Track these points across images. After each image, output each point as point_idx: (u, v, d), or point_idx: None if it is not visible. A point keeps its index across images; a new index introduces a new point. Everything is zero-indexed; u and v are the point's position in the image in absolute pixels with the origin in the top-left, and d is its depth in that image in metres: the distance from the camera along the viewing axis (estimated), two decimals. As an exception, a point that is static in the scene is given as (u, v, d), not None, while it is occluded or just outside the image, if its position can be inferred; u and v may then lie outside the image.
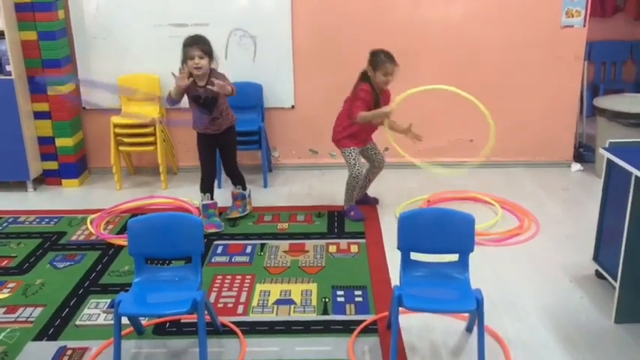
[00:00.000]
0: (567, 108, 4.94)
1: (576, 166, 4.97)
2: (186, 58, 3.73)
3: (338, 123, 4.04)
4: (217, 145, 3.99)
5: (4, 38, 4.35)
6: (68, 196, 4.66)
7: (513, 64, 4.83)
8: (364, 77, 3.86)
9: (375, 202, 4.31)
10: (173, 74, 3.74)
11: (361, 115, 3.78)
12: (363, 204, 4.22)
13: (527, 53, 4.80)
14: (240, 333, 2.84)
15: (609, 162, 3.05)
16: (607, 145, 3.09)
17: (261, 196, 4.49)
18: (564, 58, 4.81)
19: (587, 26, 4.74)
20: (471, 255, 2.70)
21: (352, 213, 4.06)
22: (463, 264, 2.69)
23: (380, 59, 3.77)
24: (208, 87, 3.70)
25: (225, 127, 3.92)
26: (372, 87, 3.82)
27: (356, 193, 4.10)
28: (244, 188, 4.13)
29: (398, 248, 2.71)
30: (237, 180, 4.12)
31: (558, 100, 4.91)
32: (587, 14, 4.70)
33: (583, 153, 5.10)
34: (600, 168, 3.16)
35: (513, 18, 4.72)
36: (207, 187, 3.96)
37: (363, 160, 4.06)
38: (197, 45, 3.68)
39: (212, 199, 3.98)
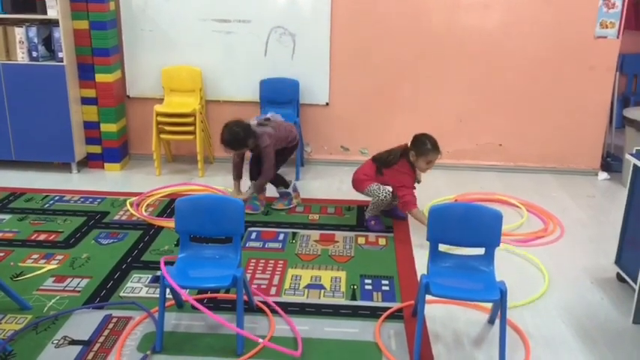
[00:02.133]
0: (597, 118, 5.02)
1: (603, 175, 5.04)
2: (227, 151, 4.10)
3: (361, 176, 4.03)
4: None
5: (58, 26, 4.59)
6: (110, 179, 4.89)
7: (546, 72, 4.93)
8: (403, 154, 3.87)
9: (404, 218, 4.17)
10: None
11: (414, 212, 3.83)
12: (393, 217, 4.17)
13: (560, 62, 4.89)
14: (269, 312, 3.00)
15: (635, 168, 3.15)
16: (634, 152, 3.19)
17: (293, 188, 4.67)
18: (596, 69, 4.89)
19: (620, 38, 4.82)
20: (496, 254, 2.83)
21: (373, 222, 4.00)
22: (489, 257, 2.82)
23: (426, 148, 3.77)
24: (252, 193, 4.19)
25: (277, 148, 4.20)
26: (410, 165, 3.87)
27: (380, 207, 4.01)
28: (286, 187, 4.38)
29: (427, 239, 2.85)
30: (276, 184, 4.38)
31: (588, 110, 4.99)
32: (621, 26, 4.78)
33: (611, 162, 5.17)
34: (627, 177, 3.26)
35: (548, 26, 4.82)
36: (253, 177, 4.26)
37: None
38: (229, 147, 4.01)
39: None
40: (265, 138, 4.07)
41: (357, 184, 4.07)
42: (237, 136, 3.96)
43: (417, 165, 3.87)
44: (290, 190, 4.38)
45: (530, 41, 4.87)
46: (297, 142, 4.37)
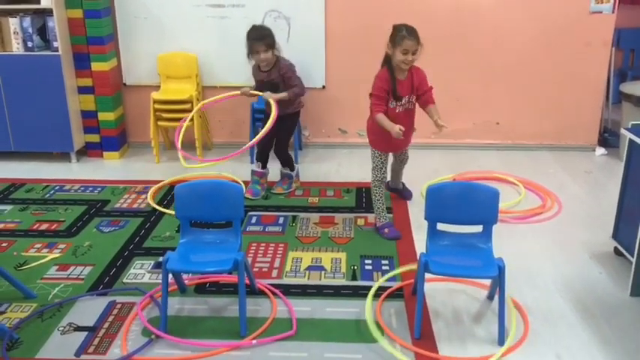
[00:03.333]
0: (594, 93, 5.02)
1: (600, 151, 5.06)
2: (251, 51, 3.96)
3: (368, 120, 3.74)
4: (280, 125, 4.01)
5: (52, 15, 4.57)
6: (109, 168, 4.91)
7: (541, 48, 4.93)
8: (385, 60, 3.52)
9: (409, 197, 4.15)
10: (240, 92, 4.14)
11: (378, 118, 3.45)
12: (398, 194, 4.16)
13: (556, 38, 4.89)
14: (271, 295, 3.04)
15: (631, 143, 3.17)
16: (630, 127, 3.21)
17: (292, 172, 4.69)
18: (592, 44, 4.88)
19: (616, 12, 4.80)
20: (494, 231, 2.86)
21: (386, 230, 3.65)
22: (487, 234, 2.85)
23: (400, 35, 3.36)
24: (263, 96, 3.99)
25: (286, 111, 4.07)
26: (389, 72, 3.47)
27: (384, 201, 3.74)
28: (292, 169, 4.35)
29: (425, 218, 2.88)
30: (285, 162, 4.33)
31: (585, 86, 4.99)
32: (616, 0, 4.76)
33: (608, 138, 5.19)
34: (624, 152, 3.27)
35: (543, 3, 4.80)
36: (259, 157, 4.27)
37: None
38: (262, 41, 3.90)
39: (263, 168, 4.28)
40: (285, 58, 4.01)
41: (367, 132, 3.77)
42: (270, 32, 3.92)
43: (395, 60, 3.40)
44: (294, 173, 4.37)
45: (526, 18, 4.86)
46: (301, 106, 4.28)
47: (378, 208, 3.73)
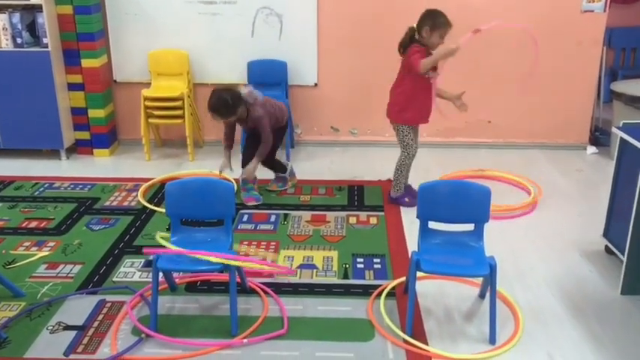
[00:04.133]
0: (585, 92, 5.04)
1: (592, 149, 5.08)
2: (214, 118, 3.89)
3: (390, 98, 3.91)
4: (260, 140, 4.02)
5: (41, 11, 4.53)
6: (99, 165, 4.87)
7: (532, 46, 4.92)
8: (412, 38, 3.70)
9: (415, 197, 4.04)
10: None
11: (424, 63, 3.57)
12: (405, 195, 4.10)
13: (547, 37, 4.89)
14: (262, 294, 3.03)
15: (622, 141, 3.18)
16: (621, 125, 3.22)
17: (283, 170, 4.67)
18: (583, 43, 4.90)
19: (607, 12, 4.82)
20: (486, 229, 2.86)
21: (407, 199, 3.97)
22: (478, 233, 2.85)
23: (441, 22, 3.63)
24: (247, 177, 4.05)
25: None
26: (420, 45, 3.68)
27: (406, 177, 4.00)
28: (284, 171, 4.33)
29: (417, 217, 2.87)
30: (276, 169, 4.32)
31: (576, 84, 5.01)
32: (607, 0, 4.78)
33: (599, 137, 5.21)
34: (615, 151, 3.28)
35: (534, 1, 4.82)
36: (247, 164, 4.10)
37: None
38: (216, 113, 3.80)
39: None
40: (258, 108, 3.89)
41: (391, 111, 3.92)
42: (225, 102, 3.75)
43: (431, 41, 3.65)
44: (287, 174, 4.35)
45: (517, 16, 4.86)
46: (287, 121, 4.27)
47: (399, 181, 3.98)
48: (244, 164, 4.09)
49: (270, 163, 4.25)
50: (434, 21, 3.63)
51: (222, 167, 4.05)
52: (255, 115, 3.89)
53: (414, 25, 3.71)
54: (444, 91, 3.88)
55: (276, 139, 4.15)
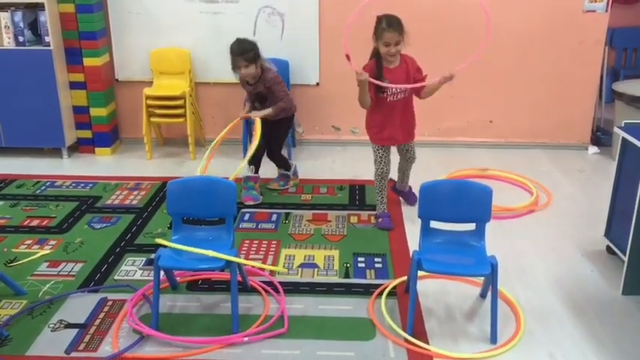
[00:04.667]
0: (586, 92, 5.03)
1: (593, 149, 5.07)
2: (234, 65, 3.93)
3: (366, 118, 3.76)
4: (267, 130, 3.99)
5: (44, 10, 4.53)
6: (101, 164, 4.87)
7: (535, 47, 4.93)
8: (374, 51, 3.53)
9: (413, 202, 3.93)
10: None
11: (359, 98, 3.48)
12: (403, 197, 4.08)
13: (549, 36, 4.89)
14: (264, 293, 3.03)
15: (624, 141, 3.18)
16: (622, 125, 3.21)
17: (285, 169, 4.68)
18: (585, 43, 4.89)
19: (609, 12, 4.81)
20: (487, 229, 2.86)
21: (380, 220, 3.73)
22: (480, 232, 2.85)
23: (380, 27, 3.37)
24: (252, 116, 3.97)
25: (277, 117, 4.04)
26: (377, 61, 3.48)
27: (386, 194, 3.78)
28: (288, 169, 4.33)
29: (418, 216, 2.87)
30: (280, 164, 4.32)
31: (578, 84, 5.00)
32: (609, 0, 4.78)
33: (600, 137, 5.20)
34: (616, 151, 3.28)
35: (536, 1, 4.81)
36: (252, 161, 4.09)
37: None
38: (241, 56, 3.86)
39: (256, 172, 4.16)
40: (272, 71, 3.95)
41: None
42: (252, 45, 3.85)
43: (381, 52, 3.43)
44: (290, 173, 4.34)
45: (519, 16, 4.86)
46: (294, 111, 4.21)
47: (377, 200, 3.80)
48: (252, 160, 4.03)
49: (277, 157, 4.26)
50: (375, 29, 3.43)
51: (242, 115, 4.06)
52: (270, 75, 3.94)
53: None
54: (431, 84, 3.54)
55: (284, 131, 4.19)
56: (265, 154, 4.20)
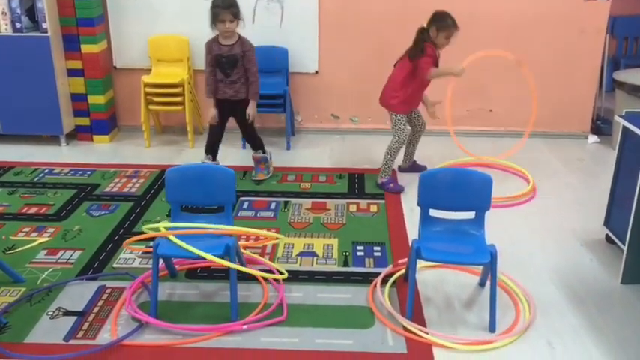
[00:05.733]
0: (587, 81, 5.01)
1: (593, 138, 5.07)
2: (215, 19, 3.86)
3: (390, 87, 4.04)
4: (234, 112, 4.08)
5: (41, -4, 4.50)
6: (99, 152, 4.86)
7: (536, 35, 4.90)
8: (423, 36, 3.89)
9: (424, 169, 4.31)
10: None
11: (432, 72, 3.85)
12: (413, 172, 4.24)
13: (550, 25, 4.86)
14: (262, 281, 3.02)
15: (624, 130, 3.16)
16: (623, 114, 3.20)
17: (283, 158, 4.66)
18: (586, 32, 4.87)
19: (610, 0, 4.78)
20: (486, 217, 2.85)
21: (392, 185, 4.09)
22: (479, 221, 2.84)
23: (447, 23, 3.84)
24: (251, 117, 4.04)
25: (243, 95, 4.01)
26: (432, 45, 3.89)
27: (393, 162, 4.14)
28: (264, 152, 4.26)
29: (418, 205, 2.86)
30: (257, 145, 4.24)
31: (578, 73, 4.98)
32: (611, -12, 4.75)
33: (600, 126, 5.19)
34: (616, 140, 3.27)
35: (538, -11, 4.78)
36: (209, 149, 4.11)
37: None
38: (228, 9, 3.80)
39: (214, 160, 4.11)
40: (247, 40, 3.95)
41: (386, 99, 4.07)
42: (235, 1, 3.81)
43: (437, 42, 3.87)
44: (267, 155, 4.27)
45: (521, 4, 4.83)
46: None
47: (388, 166, 4.09)
48: (210, 148, 4.10)
49: (253, 137, 4.21)
50: (440, 23, 3.84)
51: (214, 118, 4.04)
52: (248, 41, 3.93)
53: (424, 25, 3.89)
54: (424, 95, 4.11)
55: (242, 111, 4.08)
56: (243, 137, 4.19)
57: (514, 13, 4.85)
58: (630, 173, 3.07)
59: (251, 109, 4.03)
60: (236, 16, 3.84)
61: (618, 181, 3.29)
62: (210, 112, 4.06)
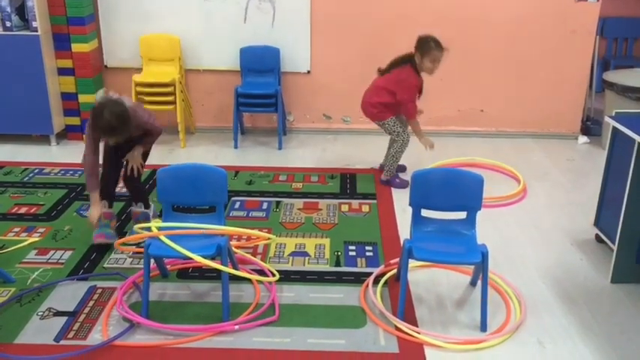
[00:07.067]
0: (577, 82, 5.04)
1: (583, 139, 5.10)
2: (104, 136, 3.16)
3: (370, 100, 4.08)
4: (124, 153, 3.39)
5: (31, -6, 4.47)
6: (90, 151, 4.82)
7: (526, 36, 4.93)
8: (407, 60, 3.93)
9: (404, 169, 4.41)
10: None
11: (413, 122, 4.03)
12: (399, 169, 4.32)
13: (541, 26, 4.89)
14: (254, 280, 3.01)
15: (614, 131, 3.19)
16: (613, 114, 3.22)
17: (275, 158, 4.66)
18: (577, 32, 4.90)
19: (600, 1, 4.81)
20: (477, 217, 2.86)
21: (398, 180, 4.17)
22: (471, 221, 2.85)
23: (429, 46, 3.84)
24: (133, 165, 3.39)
25: (136, 133, 3.28)
26: (415, 70, 3.93)
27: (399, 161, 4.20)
28: (148, 206, 3.54)
29: (409, 205, 2.87)
30: (140, 196, 3.53)
31: (569, 74, 5.01)
32: (601, -11, 4.78)
33: (590, 126, 5.22)
34: (606, 141, 3.30)
35: (528, -10, 4.81)
36: (105, 195, 3.34)
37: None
38: (113, 137, 3.09)
39: (110, 207, 3.41)
40: (140, 112, 3.25)
41: (369, 112, 4.13)
42: (122, 116, 2.99)
43: (423, 66, 3.90)
44: (150, 212, 3.53)
45: (511, 5, 4.85)
46: (160, 132, 3.44)
47: (392, 167, 4.16)
48: (105, 193, 3.34)
49: (138, 187, 3.52)
50: (423, 47, 3.87)
51: (96, 217, 3.24)
52: (144, 118, 3.24)
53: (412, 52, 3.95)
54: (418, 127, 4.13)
55: (147, 152, 3.49)
56: (124, 184, 3.47)
57: (505, 14, 4.87)
58: (620, 174, 3.10)
59: (135, 152, 3.34)
60: (124, 133, 3.08)
61: (608, 182, 3.31)
62: (94, 211, 3.22)
